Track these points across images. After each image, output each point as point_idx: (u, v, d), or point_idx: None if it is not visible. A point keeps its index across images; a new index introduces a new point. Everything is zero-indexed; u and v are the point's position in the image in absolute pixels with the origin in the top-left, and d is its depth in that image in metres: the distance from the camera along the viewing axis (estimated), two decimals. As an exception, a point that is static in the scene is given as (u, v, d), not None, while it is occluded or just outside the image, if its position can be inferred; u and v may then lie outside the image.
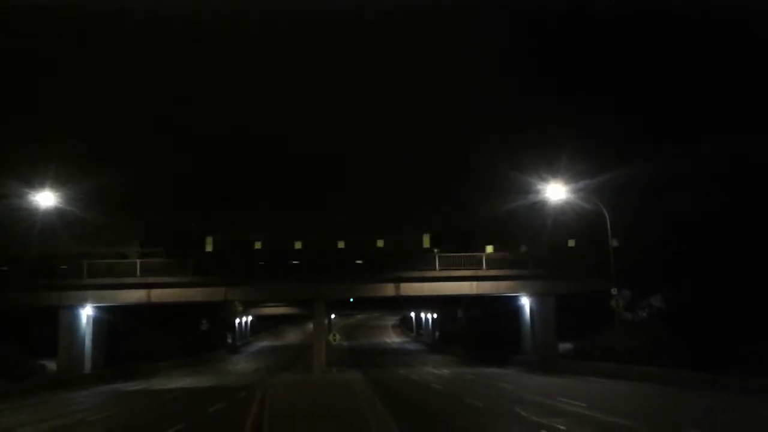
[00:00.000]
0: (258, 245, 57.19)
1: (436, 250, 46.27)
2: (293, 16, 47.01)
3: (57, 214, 39.37)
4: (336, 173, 68.71)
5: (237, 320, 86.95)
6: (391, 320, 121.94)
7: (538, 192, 37.81)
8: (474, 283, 45.10)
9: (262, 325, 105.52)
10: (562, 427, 17.11)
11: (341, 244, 53.02)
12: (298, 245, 56.65)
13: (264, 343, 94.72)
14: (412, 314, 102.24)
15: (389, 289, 46.10)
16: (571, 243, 47.91)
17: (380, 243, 54.61)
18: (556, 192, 37.12)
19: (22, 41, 45.48)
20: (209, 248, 56.70)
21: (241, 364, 62.74)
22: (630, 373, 31.42)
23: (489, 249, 49.52)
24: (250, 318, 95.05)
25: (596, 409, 20.48)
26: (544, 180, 36.98)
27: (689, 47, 39.60)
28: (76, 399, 32.11)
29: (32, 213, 38.95)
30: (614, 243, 35.76)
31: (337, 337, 49.78)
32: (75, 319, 43.62)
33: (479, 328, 59.08)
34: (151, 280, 43.89)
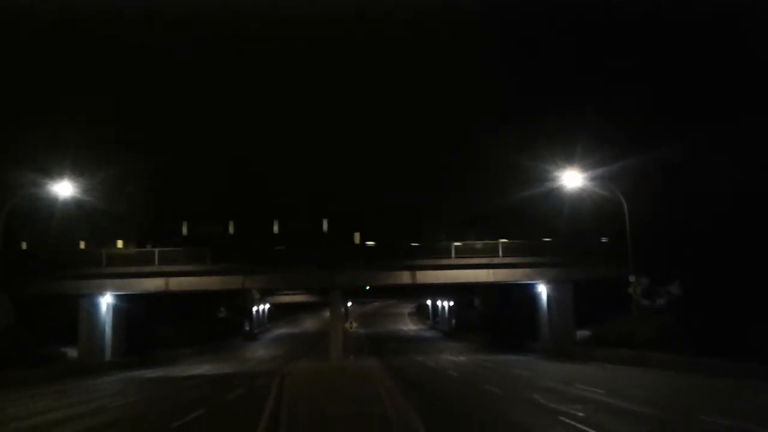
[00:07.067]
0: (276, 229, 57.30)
1: (453, 243, 45.91)
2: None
3: (75, 203, 39.70)
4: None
5: (254, 308, 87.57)
6: (408, 308, 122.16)
7: (554, 179, 37.66)
8: (490, 271, 45.05)
9: (279, 312, 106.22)
10: (580, 414, 17.09)
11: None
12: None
13: (281, 331, 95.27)
14: (429, 302, 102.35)
15: (405, 277, 46.21)
16: (589, 233, 47.59)
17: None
18: (572, 179, 36.93)
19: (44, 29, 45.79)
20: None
21: (258, 352, 63.15)
22: (648, 360, 31.28)
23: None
24: (267, 306, 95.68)
25: (615, 396, 20.46)
26: (561, 167, 36.79)
27: (709, 26, 38.94)
28: (96, 386, 32.47)
29: (51, 203, 39.31)
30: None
31: (354, 324, 49.88)
32: (95, 307, 44.07)
33: (496, 316, 58.98)
34: (169, 268, 44.25)
